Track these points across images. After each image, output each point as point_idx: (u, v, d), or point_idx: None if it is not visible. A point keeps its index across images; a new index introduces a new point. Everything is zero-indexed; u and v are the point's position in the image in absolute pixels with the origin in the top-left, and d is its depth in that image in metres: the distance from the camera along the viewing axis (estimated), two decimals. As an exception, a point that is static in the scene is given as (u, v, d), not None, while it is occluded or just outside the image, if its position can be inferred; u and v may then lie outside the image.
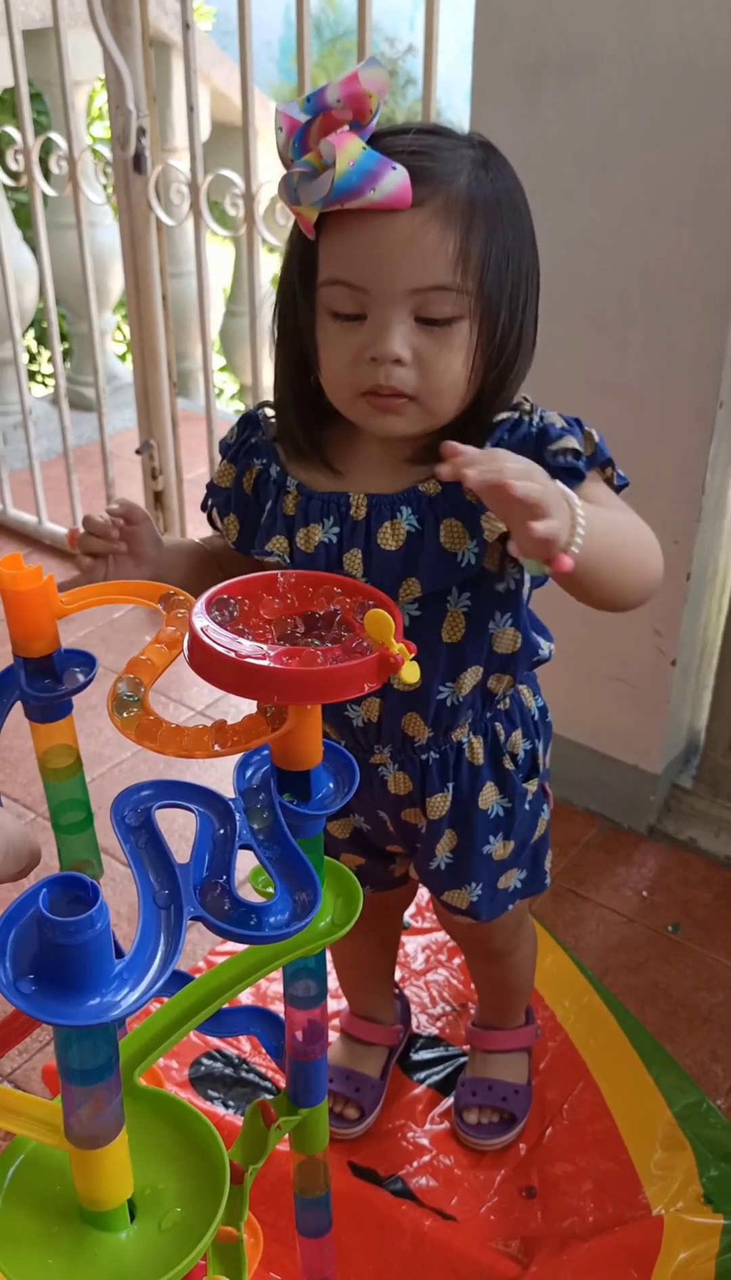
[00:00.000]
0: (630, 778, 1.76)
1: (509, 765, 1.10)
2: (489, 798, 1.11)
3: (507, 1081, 1.36)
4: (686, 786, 1.79)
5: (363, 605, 0.70)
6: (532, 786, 1.14)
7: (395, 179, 0.86)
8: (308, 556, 0.99)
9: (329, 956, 1.43)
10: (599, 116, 1.44)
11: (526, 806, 1.13)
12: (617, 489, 1.00)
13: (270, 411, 1.05)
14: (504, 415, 0.97)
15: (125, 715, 0.69)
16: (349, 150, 0.85)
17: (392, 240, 0.88)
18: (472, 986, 1.53)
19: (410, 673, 0.66)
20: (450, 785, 1.09)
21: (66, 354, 3.30)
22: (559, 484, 0.86)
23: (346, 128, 0.87)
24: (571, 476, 0.94)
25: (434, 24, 1.61)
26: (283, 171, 0.92)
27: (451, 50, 1.65)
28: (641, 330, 1.51)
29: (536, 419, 0.97)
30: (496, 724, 1.09)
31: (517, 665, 1.06)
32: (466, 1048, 1.44)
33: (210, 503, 1.08)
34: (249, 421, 1.05)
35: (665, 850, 1.76)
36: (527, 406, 0.98)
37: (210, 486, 1.07)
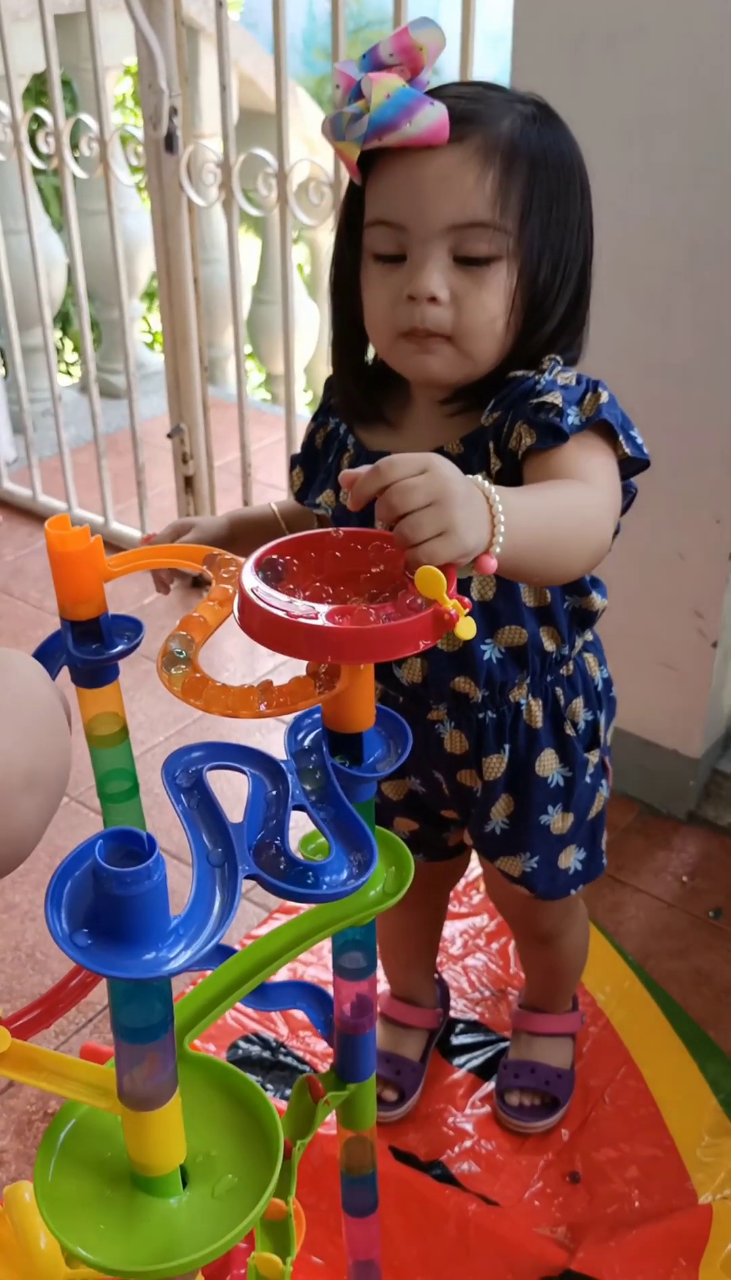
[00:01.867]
0: (670, 762, 1.74)
1: (570, 732, 1.09)
2: (548, 764, 1.09)
3: (551, 1065, 1.35)
4: (727, 771, 1.76)
5: (413, 561, 0.69)
6: (594, 758, 1.13)
7: (432, 114, 0.87)
8: (348, 510, 0.98)
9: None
10: (644, 88, 1.41)
11: (587, 779, 1.12)
12: (633, 462, 0.93)
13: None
14: (521, 372, 0.95)
15: (173, 672, 0.68)
16: (386, 84, 0.86)
17: (430, 176, 0.89)
18: (512, 971, 1.51)
19: (465, 629, 0.65)
20: (506, 747, 1.08)
21: (96, 341, 3.30)
22: (478, 482, 0.74)
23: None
24: (551, 435, 0.89)
25: (471, 12, 1.58)
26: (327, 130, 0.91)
27: (479, 37, 1.63)
28: (687, 306, 1.48)
29: (545, 376, 0.93)
30: (557, 688, 1.08)
31: (559, 619, 1.04)
32: (508, 1032, 1.42)
33: (298, 460, 1.11)
34: (330, 384, 1.08)
35: (705, 835, 1.73)
36: (546, 365, 0.94)
37: (303, 445, 1.11)
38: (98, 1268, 0.60)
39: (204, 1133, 0.67)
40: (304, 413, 2.12)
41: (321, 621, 0.64)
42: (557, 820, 1.13)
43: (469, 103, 0.90)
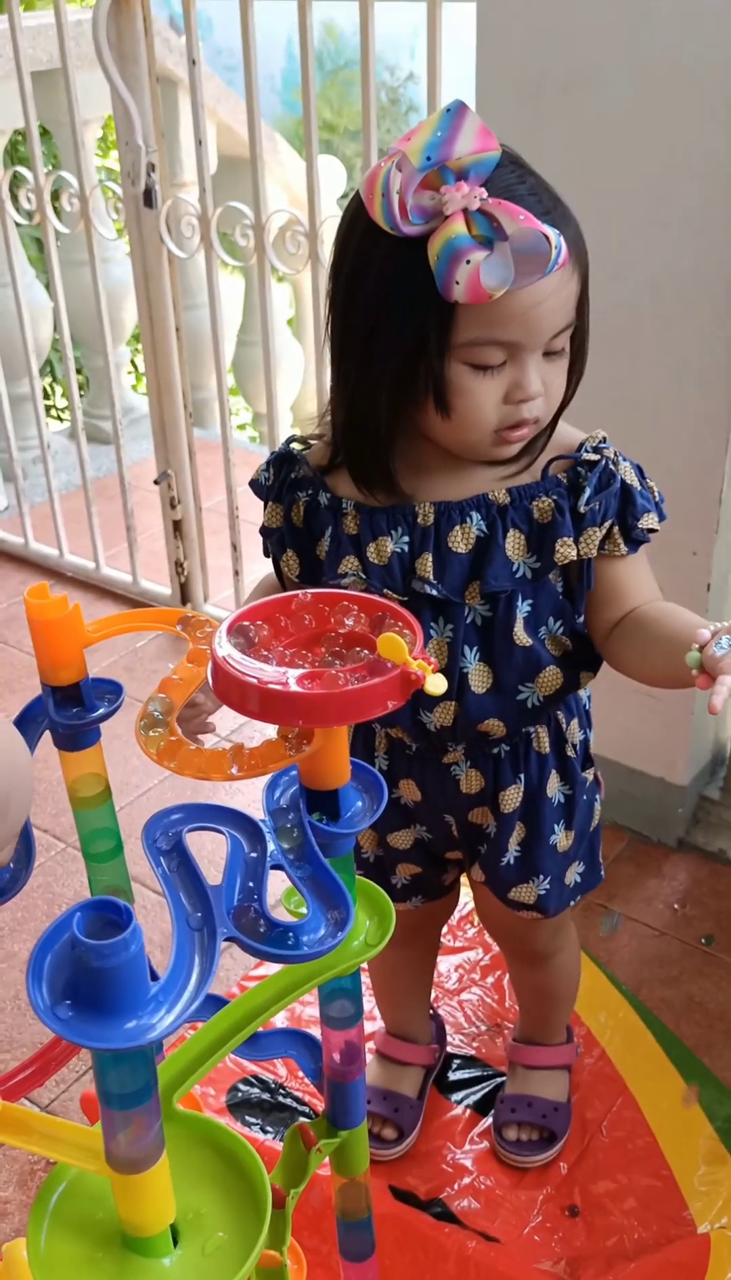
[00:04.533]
0: (657, 790, 1.76)
1: (570, 753, 1.13)
2: (553, 786, 1.13)
3: (547, 1099, 1.36)
4: (714, 798, 1.78)
5: (379, 620, 0.71)
6: (589, 775, 1.17)
7: (565, 245, 0.89)
8: (382, 568, 1.02)
9: (365, 975, 1.43)
10: (602, 132, 1.45)
11: (584, 796, 1.16)
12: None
13: (300, 446, 1.08)
14: (590, 456, 1.02)
15: (151, 734, 0.70)
16: (549, 231, 0.86)
17: (546, 296, 0.92)
18: (507, 1005, 1.52)
19: (435, 685, 0.67)
20: (521, 776, 1.11)
21: (82, 388, 3.33)
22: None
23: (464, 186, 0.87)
24: (634, 548, 1.03)
25: (436, 52, 1.62)
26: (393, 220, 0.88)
27: (452, 76, 1.67)
28: (651, 343, 1.51)
29: (619, 473, 1.02)
30: (558, 713, 1.12)
31: (592, 662, 1.09)
32: (504, 1066, 1.43)
33: (270, 547, 1.11)
34: (283, 460, 1.08)
35: (695, 862, 1.75)
36: (610, 452, 1.03)
37: (264, 531, 1.10)
38: (91, 1329, 0.61)
39: (193, 1190, 0.68)
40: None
41: (292, 687, 0.66)
42: (562, 839, 1.16)
43: (546, 203, 0.92)
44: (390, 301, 0.93)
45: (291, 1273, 0.96)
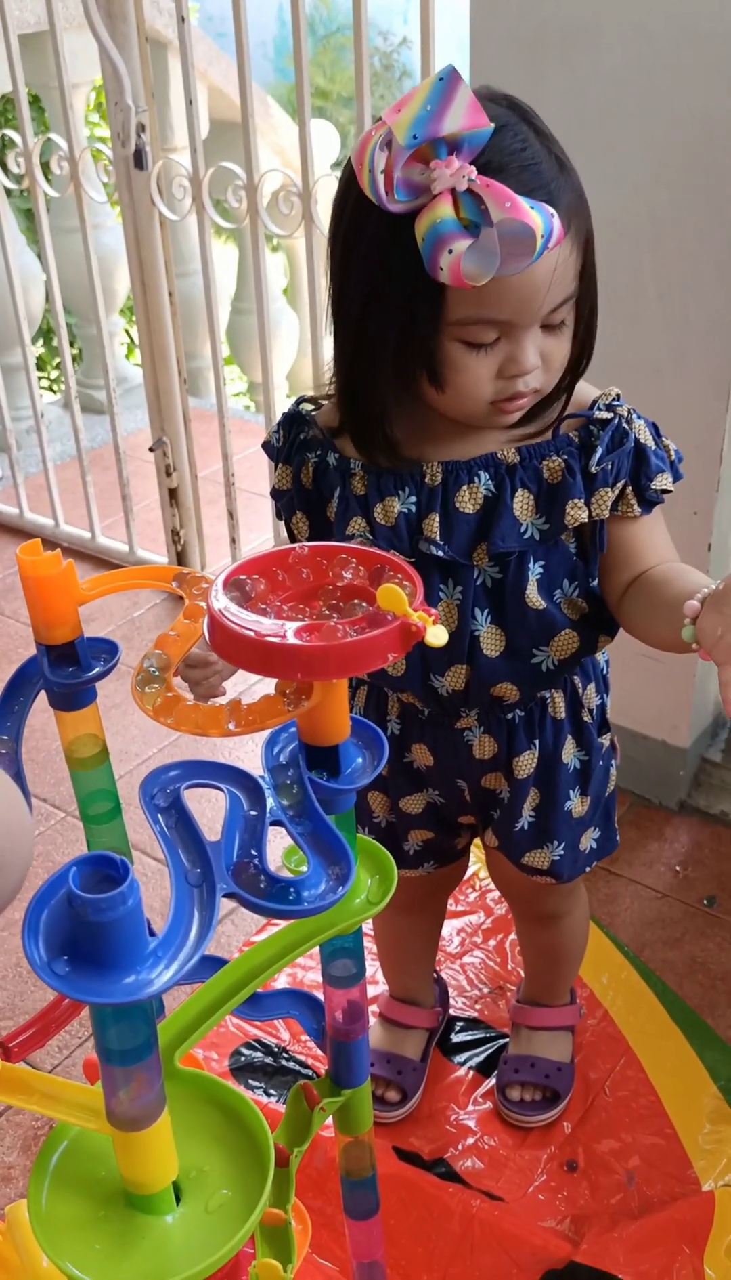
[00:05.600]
0: (659, 753, 1.75)
1: (587, 718, 1.12)
2: (569, 752, 1.12)
3: (551, 1059, 1.36)
4: (716, 760, 1.77)
5: (378, 572, 0.70)
6: (605, 741, 1.16)
7: (558, 226, 0.86)
8: (389, 529, 1.01)
9: (372, 938, 1.43)
10: (601, 88, 1.42)
11: (600, 761, 1.15)
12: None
13: (310, 406, 1.06)
14: (602, 414, 1.00)
15: (147, 690, 0.69)
16: (536, 218, 0.83)
17: (539, 275, 0.89)
18: (510, 968, 1.52)
19: (437, 636, 0.66)
20: (536, 742, 1.10)
21: (76, 358, 3.31)
22: None
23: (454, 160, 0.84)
24: (648, 508, 1.01)
25: (430, 13, 1.59)
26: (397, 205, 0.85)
27: (447, 41, 1.64)
28: (653, 303, 1.49)
29: (633, 432, 1.00)
30: (574, 678, 1.11)
31: (608, 625, 1.07)
32: (507, 1028, 1.43)
33: (281, 510, 1.09)
34: (293, 421, 1.06)
35: (697, 825, 1.74)
36: (624, 410, 1.01)
37: (275, 493, 1.09)
38: (94, 1286, 0.61)
39: (196, 1148, 0.68)
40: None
41: (290, 639, 0.65)
42: (578, 805, 1.15)
43: (540, 177, 0.88)
44: (382, 276, 0.91)
45: (296, 1233, 0.96)
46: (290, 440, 1.06)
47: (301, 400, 1.08)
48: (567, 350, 0.97)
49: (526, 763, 1.11)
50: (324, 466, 1.04)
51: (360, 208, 0.88)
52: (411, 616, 0.66)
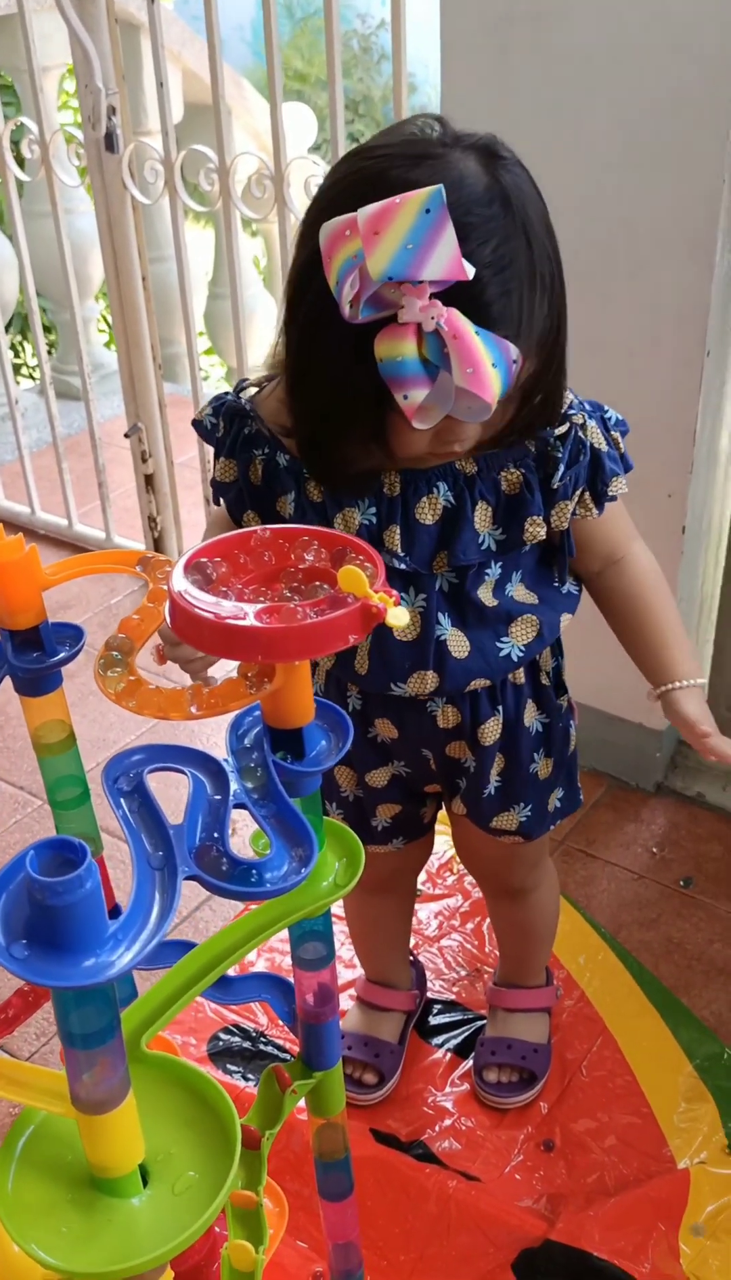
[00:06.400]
0: (635, 735, 1.76)
1: (545, 681, 1.13)
2: (530, 715, 1.13)
3: (527, 1040, 1.36)
4: (692, 742, 1.78)
5: (340, 554, 0.69)
6: (564, 702, 1.17)
7: (515, 370, 0.85)
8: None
9: (343, 921, 1.43)
10: (571, 68, 1.42)
11: (560, 723, 1.16)
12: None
13: (254, 390, 1.04)
14: (560, 430, 0.99)
15: (110, 674, 0.69)
16: (495, 385, 0.83)
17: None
18: (487, 950, 1.53)
19: (397, 617, 0.65)
20: (499, 709, 1.11)
21: (52, 345, 3.29)
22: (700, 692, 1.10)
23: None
24: (602, 506, 1.03)
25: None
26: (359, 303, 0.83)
27: (425, 23, 1.63)
28: (624, 283, 1.49)
29: (588, 439, 1.00)
30: None
31: (571, 602, 1.09)
32: (485, 1010, 1.44)
33: (222, 500, 1.07)
34: (235, 413, 1.03)
35: (673, 806, 1.75)
36: (579, 418, 1.00)
37: (216, 484, 1.06)
38: (59, 1271, 0.61)
39: (163, 1131, 0.68)
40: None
41: (249, 621, 0.65)
42: (542, 767, 1.16)
43: (510, 304, 0.85)
44: (334, 355, 0.89)
45: (273, 1216, 0.96)
46: (232, 434, 1.03)
47: (242, 386, 1.04)
48: (512, 411, 0.94)
49: (492, 730, 1.11)
50: (273, 466, 1.01)
51: (325, 291, 0.85)
52: (372, 598, 0.65)
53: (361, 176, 0.88)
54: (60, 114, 3.29)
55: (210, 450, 2.29)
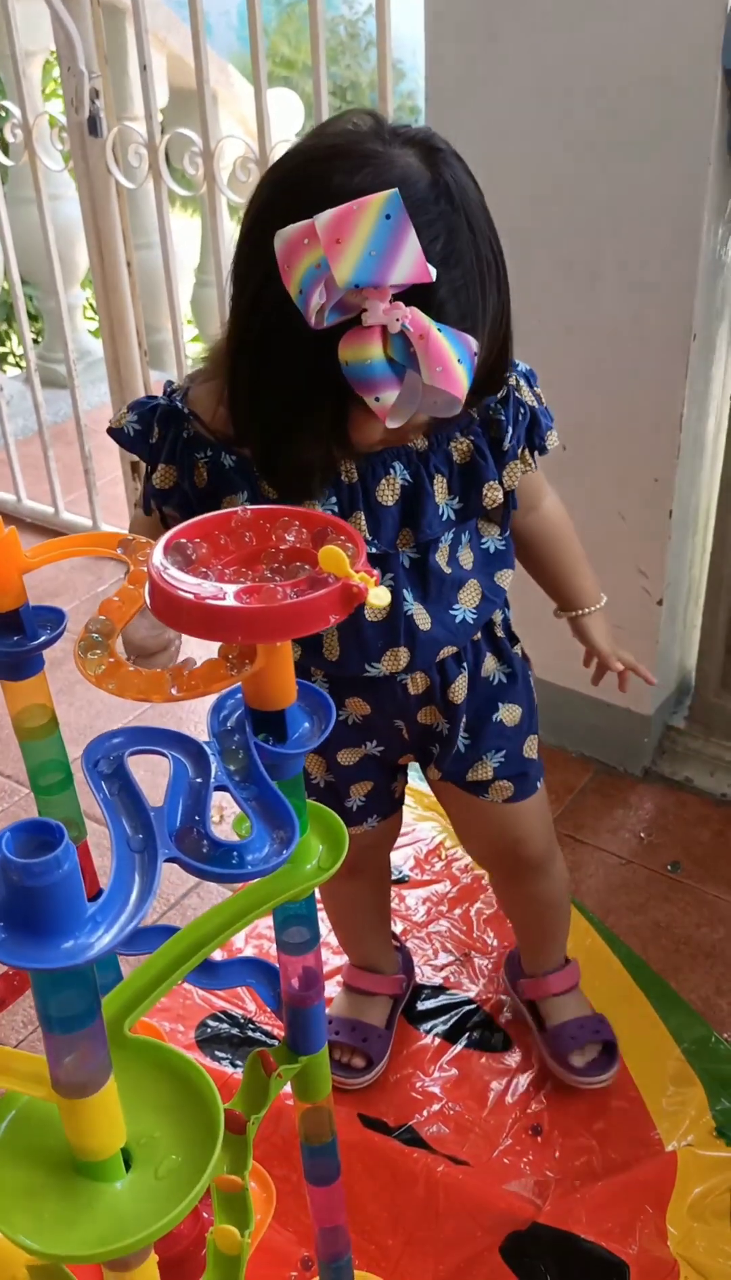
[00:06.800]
0: (623, 721, 1.76)
1: (499, 633, 1.15)
2: (489, 667, 1.15)
3: (588, 1014, 1.37)
4: (679, 727, 1.78)
5: (321, 534, 0.69)
6: (518, 650, 1.19)
7: (475, 361, 0.85)
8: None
9: (322, 908, 1.43)
10: (557, 50, 1.41)
11: (519, 670, 1.18)
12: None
13: (184, 383, 1.01)
14: (501, 394, 1.01)
15: (90, 656, 0.68)
16: (461, 379, 0.83)
17: None
18: (475, 936, 1.52)
19: (378, 597, 0.65)
20: (464, 665, 1.12)
21: (38, 333, 3.27)
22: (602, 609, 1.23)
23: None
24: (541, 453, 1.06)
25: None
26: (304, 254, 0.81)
27: (412, 8, 1.61)
28: (611, 266, 1.49)
29: (526, 400, 1.03)
30: None
31: (507, 558, 1.12)
32: (472, 994, 1.44)
33: (160, 507, 1.04)
34: (170, 417, 1.00)
35: (661, 791, 1.75)
36: (512, 379, 1.01)
37: (152, 491, 1.03)
38: (41, 1255, 0.61)
39: (146, 1115, 0.68)
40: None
41: (229, 602, 0.64)
42: (505, 714, 1.17)
43: (468, 297, 0.86)
44: (293, 360, 0.88)
45: (260, 1200, 0.96)
46: (168, 438, 1.00)
47: (171, 390, 1.02)
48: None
49: (460, 688, 1.12)
50: (219, 467, 0.99)
51: (278, 301, 0.84)
52: (353, 578, 0.65)
53: (304, 180, 0.86)
54: (49, 104, 3.27)
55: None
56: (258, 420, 0.94)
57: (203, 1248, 0.95)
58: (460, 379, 0.83)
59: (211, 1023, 1.43)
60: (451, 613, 1.07)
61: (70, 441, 2.71)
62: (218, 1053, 1.40)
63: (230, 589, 0.65)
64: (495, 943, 1.52)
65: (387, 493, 1.00)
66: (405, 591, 1.04)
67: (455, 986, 1.47)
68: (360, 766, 1.18)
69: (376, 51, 1.65)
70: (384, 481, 0.99)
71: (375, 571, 0.66)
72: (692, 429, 1.57)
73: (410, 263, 0.80)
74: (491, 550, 1.10)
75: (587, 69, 1.40)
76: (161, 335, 3.16)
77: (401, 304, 0.81)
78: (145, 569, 0.77)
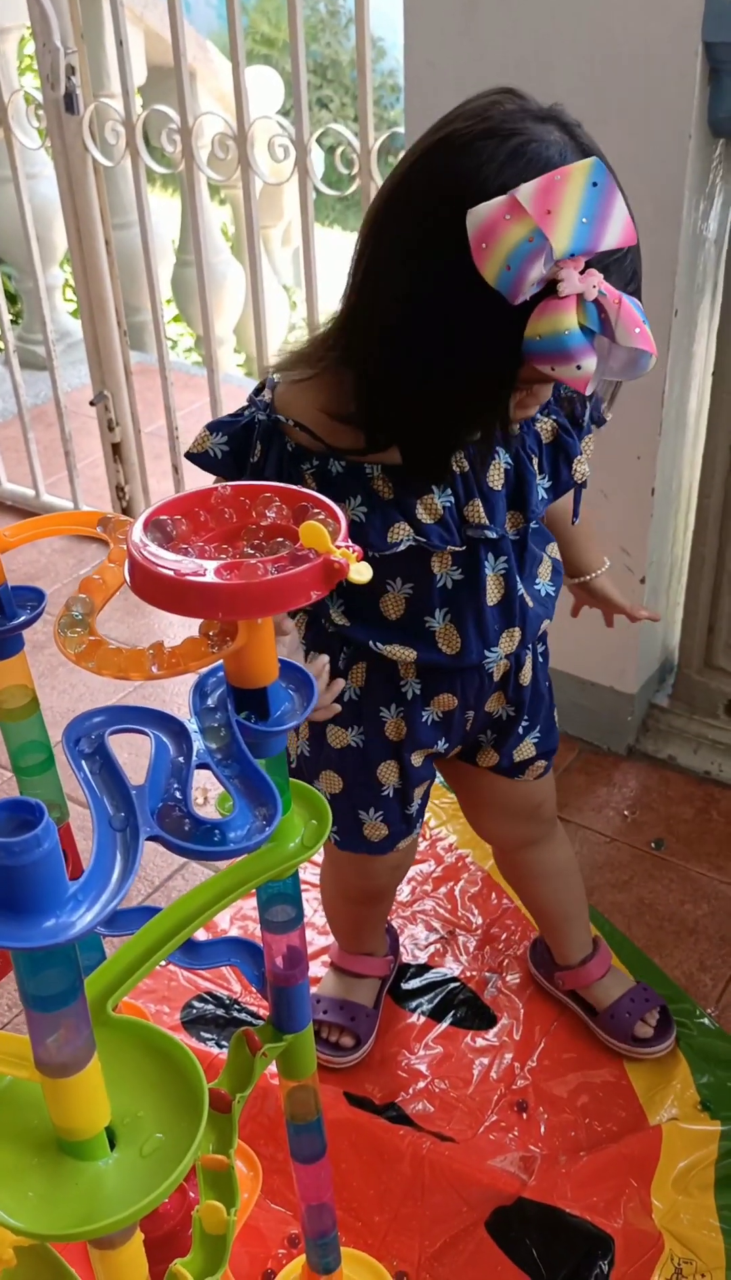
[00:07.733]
0: (607, 699, 1.76)
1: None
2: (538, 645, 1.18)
3: (632, 985, 1.37)
4: (663, 705, 1.78)
5: (302, 510, 0.68)
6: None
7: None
8: (438, 525, 1.00)
9: (315, 889, 1.43)
10: (538, 23, 1.40)
11: (546, 646, 1.20)
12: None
13: (270, 392, 0.99)
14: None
15: (70, 634, 0.68)
16: (652, 338, 0.84)
17: None
18: (459, 914, 1.53)
19: (360, 573, 0.65)
20: (531, 645, 1.14)
21: (16, 314, 3.24)
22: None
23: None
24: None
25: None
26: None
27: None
28: (592, 242, 1.48)
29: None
30: None
31: (551, 535, 1.17)
32: (456, 970, 1.44)
33: None
34: (269, 432, 0.99)
35: (645, 769, 1.76)
36: None
37: None
38: (25, 1234, 0.61)
39: (131, 1095, 0.67)
40: (231, 374, 2.08)
41: (209, 578, 0.64)
42: (546, 689, 1.20)
43: (634, 262, 0.91)
44: (479, 341, 0.87)
45: (246, 1179, 0.96)
46: (270, 455, 0.98)
47: (266, 407, 0.99)
48: None
49: (528, 669, 1.15)
50: (326, 475, 0.98)
51: (456, 270, 0.83)
52: (334, 553, 0.64)
53: (466, 165, 0.85)
54: (23, 78, 3.23)
55: (180, 416, 2.25)
56: (419, 408, 0.93)
57: (189, 1226, 0.95)
58: (652, 338, 0.84)
59: (197, 1004, 1.43)
60: (536, 587, 1.10)
61: (50, 423, 2.69)
62: (203, 1034, 1.40)
63: (210, 565, 0.64)
64: (479, 920, 1.53)
65: (497, 477, 1.01)
66: (516, 574, 1.06)
67: (440, 964, 1.47)
68: (425, 766, 1.18)
69: (355, 29, 1.63)
70: (492, 467, 1.00)
71: (356, 548, 0.65)
72: (675, 406, 1.56)
73: (619, 227, 0.81)
74: (540, 526, 1.12)
75: (568, 44, 1.39)
76: (141, 316, 3.14)
77: (595, 271, 0.82)
78: (125, 547, 0.77)
